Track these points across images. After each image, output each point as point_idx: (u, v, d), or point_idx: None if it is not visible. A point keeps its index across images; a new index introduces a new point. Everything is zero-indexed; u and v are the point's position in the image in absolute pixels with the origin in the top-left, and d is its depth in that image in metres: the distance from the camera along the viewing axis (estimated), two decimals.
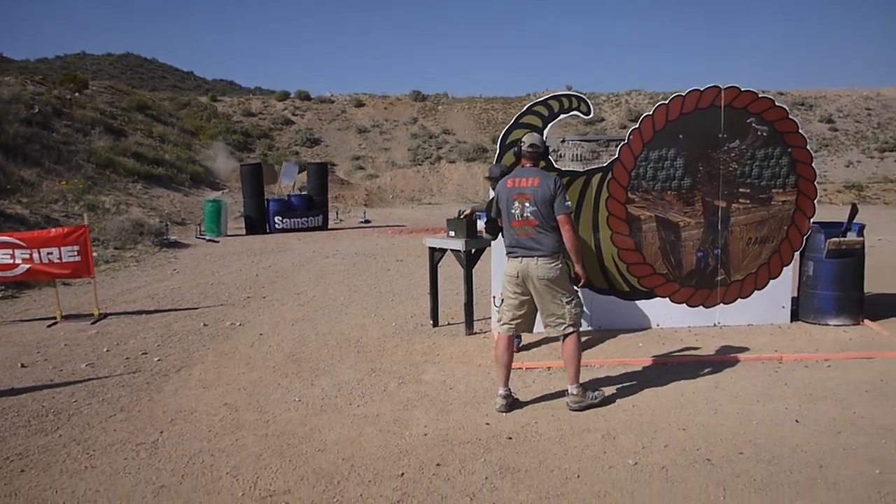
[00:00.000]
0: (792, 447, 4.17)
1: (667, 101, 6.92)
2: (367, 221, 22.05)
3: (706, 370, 5.73)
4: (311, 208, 20.05)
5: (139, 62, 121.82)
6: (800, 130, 7.05)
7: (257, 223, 19.37)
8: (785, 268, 7.12)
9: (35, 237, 8.54)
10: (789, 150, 7.00)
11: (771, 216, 7.06)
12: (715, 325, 7.13)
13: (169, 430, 4.87)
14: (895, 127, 37.05)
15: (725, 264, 7.07)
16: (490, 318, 7.22)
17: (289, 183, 21.79)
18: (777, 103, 6.99)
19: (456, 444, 4.40)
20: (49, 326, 8.07)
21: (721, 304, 7.13)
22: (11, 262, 8.30)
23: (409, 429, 4.69)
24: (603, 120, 37.83)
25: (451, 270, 9.35)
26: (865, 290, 7.72)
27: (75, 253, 8.50)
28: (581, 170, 7.19)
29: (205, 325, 8.03)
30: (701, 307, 7.12)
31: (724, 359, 5.99)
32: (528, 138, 5.16)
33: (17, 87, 24.54)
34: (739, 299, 7.13)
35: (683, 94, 6.92)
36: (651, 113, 6.93)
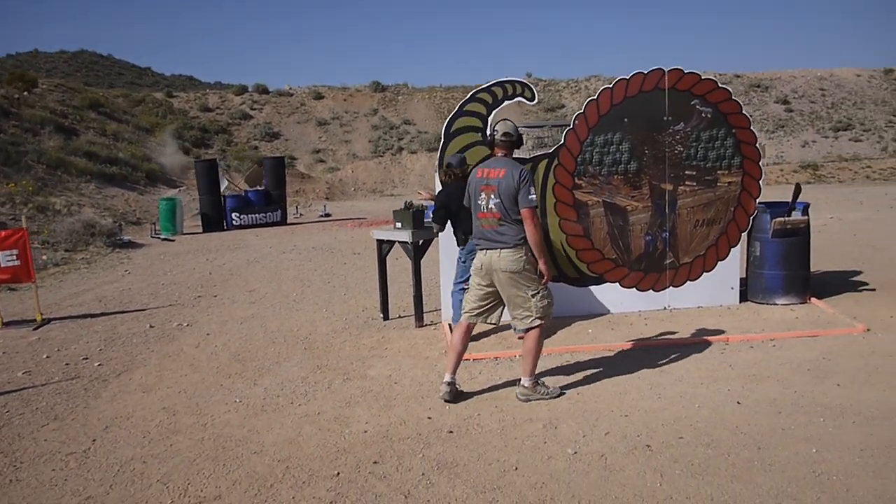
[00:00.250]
0: (732, 429, 4.15)
1: (611, 85, 6.87)
2: (327, 215, 21.81)
3: (653, 354, 5.71)
4: (269, 203, 19.76)
5: (94, 59, 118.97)
6: (743, 111, 7.06)
7: (214, 220, 19.01)
8: (732, 249, 7.14)
9: None
10: (734, 131, 7.00)
11: (717, 198, 7.06)
12: (665, 308, 7.13)
13: (102, 437, 4.71)
14: (848, 107, 37.68)
15: (674, 247, 7.06)
16: (440, 309, 7.13)
17: (223, 185, 21.03)
18: (720, 84, 6.99)
19: (395, 440, 4.31)
20: None
21: (671, 288, 7.13)
22: None
23: (349, 426, 4.59)
24: (563, 106, 37.90)
25: (405, 262, 9.22)
26: (815, 268, 7.79)
27: (14, 257, 8.22)
28: (527, 157, 7.11)
29: (151, 326, 7.82)
30: (651, 291, 7.11)
31: (671, 342, 5.98)
32: (502, 126, 4.98)
33: None
34: (689, 282, 7.14)
35: (627, 78, 6.87)
36: (596, 97, 6.88)
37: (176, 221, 18.22)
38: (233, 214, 19.10)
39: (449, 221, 6.43)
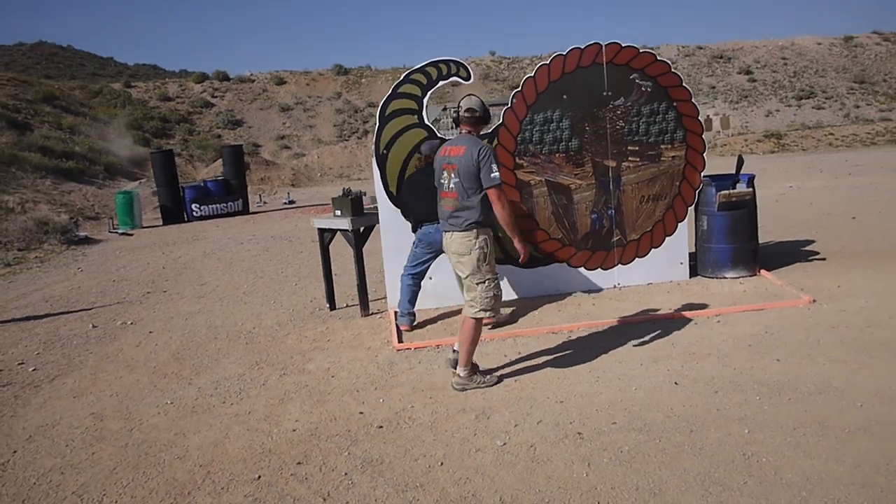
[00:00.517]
0: (666, 412, 4.06)
1: (548, 62, 6.72)
2: (291, 202, 21.52)
3: (597, 336, 5.62)
4: (230, 193, 19.44)
5: (54, 50, 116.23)
6: (684, 84, 6.94)
7: (173, 212, 18.69)
8: (680, 224, 7.06)
9: None
10: (675, 104, 6.89)
11: (662, 172, 6.96)
12: (615, 286, 7.04)
13: (24, 448, 4.51)
14: (810, 75, 37.92)
15: (620, 224, 6.96)
16: (386, 298, 6.97)
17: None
18: (659, 58, 6.86)
19: (323, 437, 4.17)
20: None
21: (619, 266, 7.04)
22: None
23: (278, 425, 4.43)
24: None
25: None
26: (770, 239, 7.75)
27: None
28: None
29: (94, 326, 7.59)
30: (599, 270, 7.01)
31: (615, 322, 5.88)
32: (465, 101, 4.73)
33: None
34: (637, 259, 7.05)
35: (564, 53, 6.72)
36: (533, 74, 6.72)
37: (134, 215, 17.87)
38: (192, 206, 18.77)
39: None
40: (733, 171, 7.20)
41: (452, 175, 4.67)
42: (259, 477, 3.76)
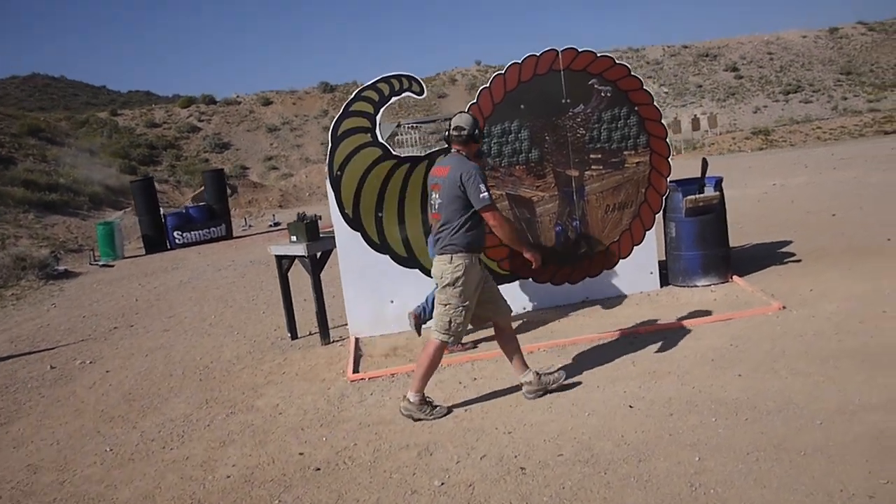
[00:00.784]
0: (616, 440, 3.81)
1: (503, 71, 6.51)
2: (276, 224, 21.29)
3: (558, 356, 5.38)
4: (213, 218, 19.20)
5: (46, 82, 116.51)
6: (644, 87, 6.73)
7: (156, 241, 18.45)
8: (647, 232, 6.82)
9: None
10: (636, 108, 6.67)
11: (626, 180, 6.74)
12: (584, 300, 6.80)
13: None
14: (797, 69, 37.79)
15: (586, 236, 6.73)
16: (347, 324, 6.74)
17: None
18: (618, 61, 6.65)
19: (257, 484, 3.92)
20: None
21: (587, 278, 6.80)
22: None
23: (214, 472, 4.19)
24: None
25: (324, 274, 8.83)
26: (748, 241, 7.52)
27: None
28: (422, 154, 6.74)
29: (52, 367, 7.35)
30: (567, 284, 6.77)
31: (579, 340, 5.64)
32: (455, 119, 4.56)
33: None
34: (605, 270, 6.81)
35: (520, 62, 6.51)
36: (488, 85, 6.51)
37: (115, 246, 17.64)
38: (175, 233, 18.54)
39: None
40: (700, 175, 6.99)
41: (437, 196, 4.52)
42: None
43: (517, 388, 4.75)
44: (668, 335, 5.47)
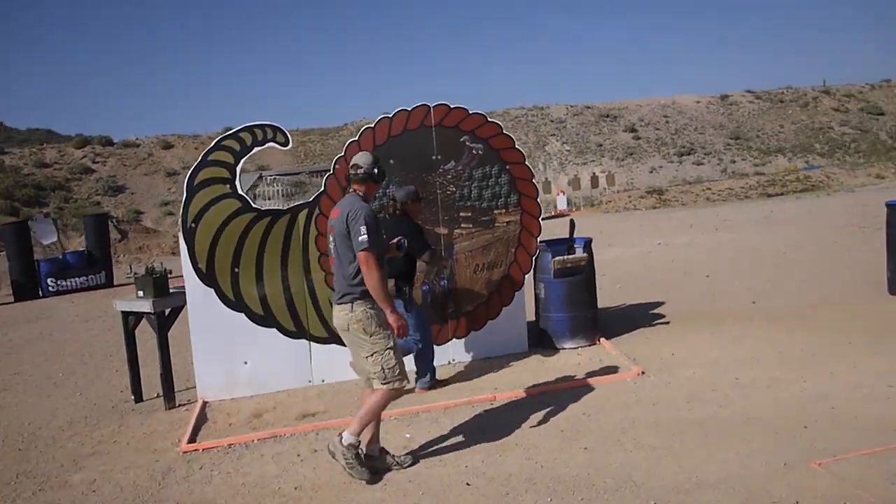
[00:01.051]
0: None
1: (373, 125, 6.33)
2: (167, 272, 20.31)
3: (407, 425, 5.08)
4: (92, 265, 18.11)
5: None
6: (516, 146, 6.69)
7: (27, 288, 17.20)
8: (517, 292, 6.70)
9: None
10: (507, 167, 6.61)
11: (496, 239, 6.62)
12: (450, 362, 6.57)
13: None
14: (690, 132, 39.76)
15: (454, 295, 6.54)
16: (195, 386, 6.26)
17: (52, 240, 19.55)
18: (490, 119, 6.58)
19: None
20: None
21: (454, 339, 6.58)
22: None
23: None
24: None
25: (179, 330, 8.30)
26: (623, 301, 7.50)
27: None
28: (284, 207, 6.44)
29: None
30: (433, 345, 6.52)
31: (432, 408, 5.36)
32: (355, 157, 4.33)
33: None
34: (473, 332, 6.62)
35: (391, 116, 6.35)
36: (357, 138, 6.31)
37: None
38: (48, 280, 17.36)
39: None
40: (570, 236, 6.96)
41: (332, 238, 4.26)
42: None
43: None
44: (525, 402, 5.28)
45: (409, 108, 6.41)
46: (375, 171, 4.31)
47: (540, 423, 4.78)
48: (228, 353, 6.18)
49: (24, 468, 5.09)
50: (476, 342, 6.62)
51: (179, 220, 6.11)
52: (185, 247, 6.04)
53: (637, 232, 17.61)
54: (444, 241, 6.49)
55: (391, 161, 6.34)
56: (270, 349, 6.20)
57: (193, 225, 6.03)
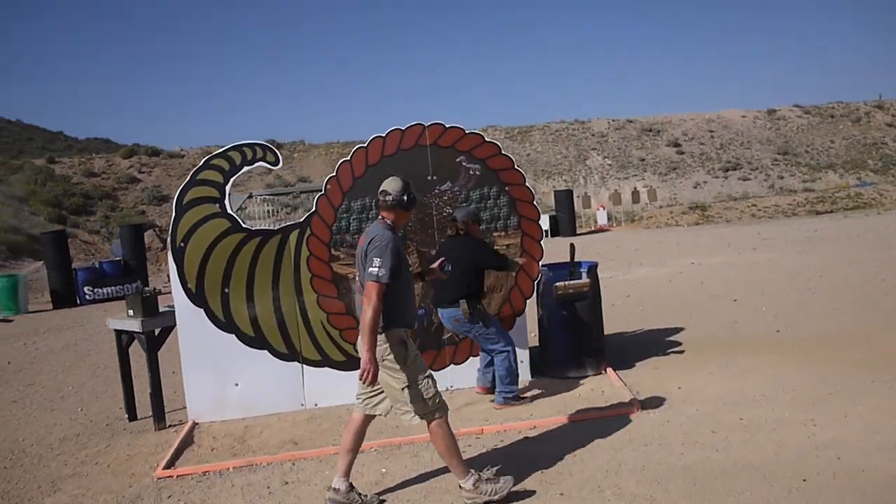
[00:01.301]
0: None
1: (366, 144, 6.17)
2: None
3: (384, 459, 4.87)
4: (128, 274, 18.41)
5: (1, 125, 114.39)
6: (516, 167, 6.45)
7: (65, 296, 17.56)
8: (518, 318, 6.44)
9: None
10: (507, 188, 6.37)
11: None
12: (448, 389, 6.32)
13: None
14: (736, 147, 38.74)
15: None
16: (183, 407, 6.15)
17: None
18: (488, 139, 6.36)
19: None
20: None
21: (451, 366, 6.35)
22: None
23: None
24: None
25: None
26: (646, 326, 7.20)
27: None
28: (274, 228, 6.32)
29: None
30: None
31: (414, 439, 5.12)
32: (385, 183, 4.12)
33: None
34: (471, 357, 6.37)
35: (384, 135, 6.18)
36: (349, 158, 6.16)
37: (19, 300, 16.76)
38: (85, 288, 17.69)
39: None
40: (578, 260, 6.67)
41: (356, 266, 4.12)
42: None
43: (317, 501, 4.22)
44: (511, 438, 5.02)
45: (403, 128, 6.23)
46: (405, 198, 4.10)
47: (522, 463, 4.50)
48: (219, 374, 6.06)
49: (2, 488, 5.03)
50: (465, 372, 6.37)
51: (168, 239, 6.04)
52: (174, 266, 5.96)
53: (673, 250, 17.10)
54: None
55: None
56: (262, 371, 6.07)
57: (182, 244, 5.95)
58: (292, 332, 6.10)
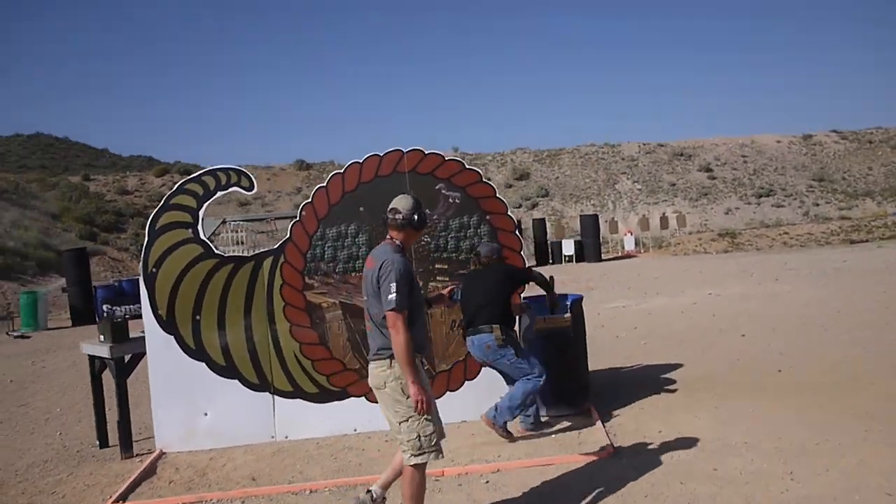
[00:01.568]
0: None
1: (342, 170, 6.05)
2: None
3: (339, 498, 4.67)
4: None
5: (50, 142, 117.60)
6: (497, 195, 6.27)
7: (84, 313, 17.79)
8: None
9: None
10: (487, 217, 6.19)
11: None
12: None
13: None
14: (770, 172, 37.95)
15: (428, 353, 6.11)
16: (154, 436, 6.04)
17: None
18: (468, 166, 6.20)
19: None
20: None
21: (448, 392, 6.15)
22: None
23: None
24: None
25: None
26: (640, 361, 6.93)
27: None
28: (247, 255, 6.21)
29: None
30: None
31: (370, 480, 4.90)
32: (395, 201, 4.00)
33: None
34: (448, 392, 6.16)
35: (361, 161, 6.07)
36: (325, 184, 6.05)
37: (38, 316, 17.02)
38: (104, 306, 17.88)
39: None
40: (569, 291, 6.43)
41: (365, 291, 3.94)
42: None
43: None
44: (471, 482, 4.78)
45: (381, 154, 6.10)
46: (416, 217, 3.94)
47: None
48: (189, 403, 5.96)
49: None
50: (452, 404, 6.11)
51: (140, 264, 5.98)
52: (146, 292, 5.88)
53: (695, 279, 16.66)
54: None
55: (361, 209, 6.08)
56: (232, 401, 5.96)
57: (154, 270, 5.90)
58: (264, 362, 5.98)
